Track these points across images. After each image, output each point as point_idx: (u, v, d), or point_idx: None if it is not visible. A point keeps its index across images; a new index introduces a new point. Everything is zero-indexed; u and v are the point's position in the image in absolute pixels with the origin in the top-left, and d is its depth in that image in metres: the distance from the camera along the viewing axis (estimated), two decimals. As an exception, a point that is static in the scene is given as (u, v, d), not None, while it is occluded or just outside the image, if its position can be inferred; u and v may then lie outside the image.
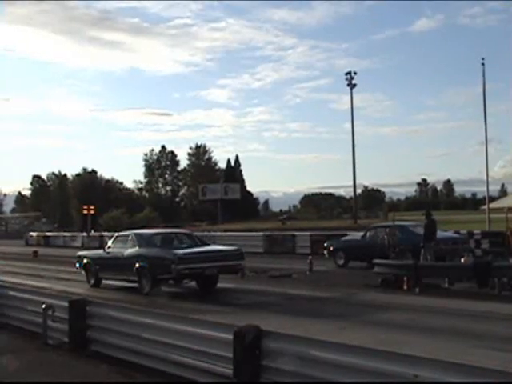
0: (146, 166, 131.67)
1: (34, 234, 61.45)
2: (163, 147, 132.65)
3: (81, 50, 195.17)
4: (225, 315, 11.72)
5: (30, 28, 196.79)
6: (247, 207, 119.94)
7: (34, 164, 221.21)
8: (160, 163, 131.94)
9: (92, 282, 18.98)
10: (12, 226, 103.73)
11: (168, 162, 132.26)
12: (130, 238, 17.90)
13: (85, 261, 19.36)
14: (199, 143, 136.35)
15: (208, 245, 18.59)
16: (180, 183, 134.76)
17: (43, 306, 10.21)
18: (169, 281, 16.85)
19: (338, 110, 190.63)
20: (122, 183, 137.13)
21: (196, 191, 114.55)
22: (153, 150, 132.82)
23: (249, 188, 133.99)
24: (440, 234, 22.03)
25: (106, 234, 51.52)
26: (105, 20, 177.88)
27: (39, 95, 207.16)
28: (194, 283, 17.47)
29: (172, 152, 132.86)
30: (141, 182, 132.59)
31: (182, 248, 17.12)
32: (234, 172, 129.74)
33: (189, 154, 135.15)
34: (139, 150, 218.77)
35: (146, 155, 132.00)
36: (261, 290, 16.98)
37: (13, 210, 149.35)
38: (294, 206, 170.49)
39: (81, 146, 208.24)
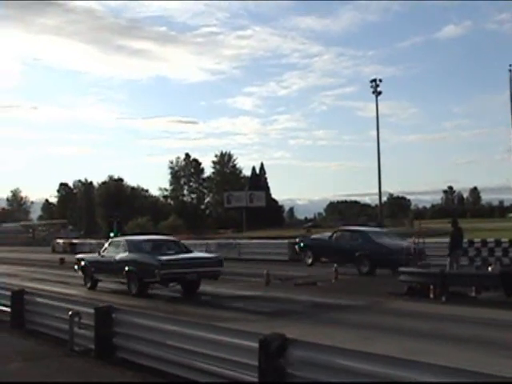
0: (171, 173, 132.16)
1: (60, 241, 61.85)
2: (187, 155, 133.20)
3: (108, 59, 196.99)
4: (249, 323, 11.73)
5: (59, 38, 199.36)
6: (272, 215, 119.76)
7: (60, 172, 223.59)
8: (185, 171, 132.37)
9: (89, 284, 20.55)
10: (39, 234, 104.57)
11: (193, 170, 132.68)
12: (121, 243, 19.62)
13: (82, 263, 20.93)
14: (224, 151, 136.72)
15: (192, 252, 19.89)
16: (205, 191, 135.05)
17: (70, 312, 10.29)
18: (155, 284, 18.14)
19: (363, 118, 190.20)
20: (147, 191, 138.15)
21: (221, 199, 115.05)
22: (178, 157, 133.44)
23: (274, 196, 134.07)
24: (393, 243, 24.17)
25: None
26: (132, 29, 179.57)
27: (66, 104, 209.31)
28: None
29: (196, 160, 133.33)
30: (166, 190, 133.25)
31: (167, 254, 18.35)
32: (259, 180, 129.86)
33: (213, 162, 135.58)
34: (165, 157, 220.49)
35: (171, 163, 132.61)
36: (286, 298, 16.95)
37: (40, 218, 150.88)
38: (319, 214, 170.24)
39: (107, 153, 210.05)
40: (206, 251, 30.38)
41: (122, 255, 18.88)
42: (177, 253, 18.84)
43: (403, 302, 15.51)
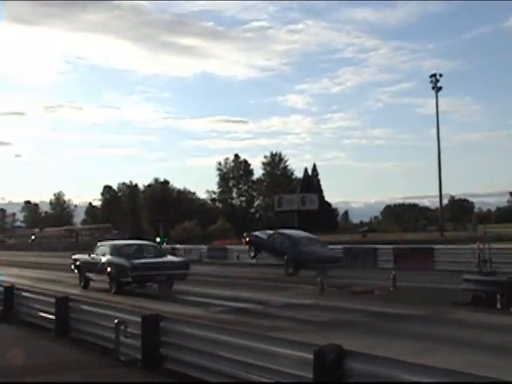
0: (219, 175, 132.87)
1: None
2: (236, 156, 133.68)
3: (153, 56, 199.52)
4: (303, 333, 11.70)
5: (103, 35, 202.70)
6: (325, 218, 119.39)
7: (105, 174, 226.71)
8: (234, 173, 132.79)
9: (82, 283, 24.33)
10: (83, 238, 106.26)
11: (242, 172, 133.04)
12: (106, 247, 23.49)
13: (77, 263, 24.95)
14: (275, 151, 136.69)
15: (165, 256, 23.57)
16: (255, 193, 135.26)
17: (116, 320, 10.42)
18: (132, 284, 21.70)
19: (422, 115, 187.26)
20: (194, 194, 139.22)
21: (271, 202, 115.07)
22: (227, 158, 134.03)
23: (327, 198, 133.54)
24: (316, 250, 28.70)
25: (178, 246, 52.36)
26: (178, 24, 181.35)
27: (111, 103, 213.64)
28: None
29: (245, 161, 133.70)
30: (214, 193, 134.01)
31: (142, 258, 22.16)
32: (311, 181, 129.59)
33: (263, 163, 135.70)
34: (213, 159, 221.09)
35: (219, 164, 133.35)
36: (341, 307, 16.86)
37: (83, 222, 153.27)
38: (376, 218, 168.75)
39: (152, 155, 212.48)
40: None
41: (106, 257, 22.52)
42: (153, 257, 22.75)
43: (467, 312, 15.27)
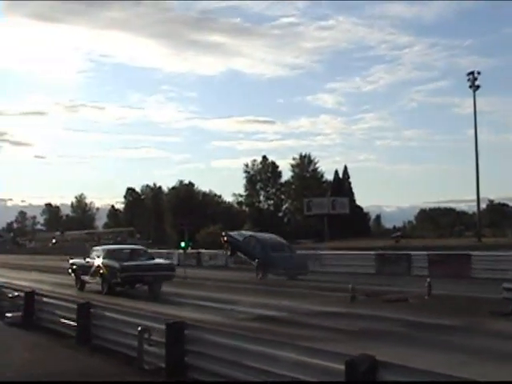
0: (246, 177, 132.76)
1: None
2: (264, 157, 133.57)
3: (178, 54, 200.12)
4: (334, 343, 11.65)
5: (126, 33, 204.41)
6: (357, 223, 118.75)
7: (128, 176, 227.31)
8: (262, 175, 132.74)
9: (78, 285, 26.58)
10: (105, 242, 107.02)
11: (269, 174, 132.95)
12: (100, 251, 26.08)
13: (74, 267, 27.34)
14: (304, 153, 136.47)
15: (153, 259, 26.08)
16: (283, 197, 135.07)
17: (139, 328, 10.45)
18: (121, 285, 24.07)
19: (459, 115, 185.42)
20: (220, 197, 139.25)
21: (300, 205, 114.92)
22: (254, 160, 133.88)
23: (358, 202, 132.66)
24: (286, 257, 32.46)
25: (203, 251, 52.44)
26: (204, 21, 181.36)
27: (134, 103, 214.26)
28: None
29: (273, 163, 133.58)
30: (241, 196, 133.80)
31: (131, 261, 24.57)
32: (342, 184, 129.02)
33: (292, 165, 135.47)
34: (239, 160, 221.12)
35: (246, 166, 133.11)
36: (373, 316, 16.78)
37: (105, 225, 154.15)
38: (409, 222, 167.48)
39: (177, 156, 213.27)
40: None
41: (99, 260, 24.87)
42: (142, 260, 25.31)
43: (506, 323, 15.13)
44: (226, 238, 37.86)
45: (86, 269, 25.87)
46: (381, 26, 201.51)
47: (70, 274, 27.90)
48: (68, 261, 29.04)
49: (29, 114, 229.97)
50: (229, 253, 38.28)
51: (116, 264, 23.85)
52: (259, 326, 14.69)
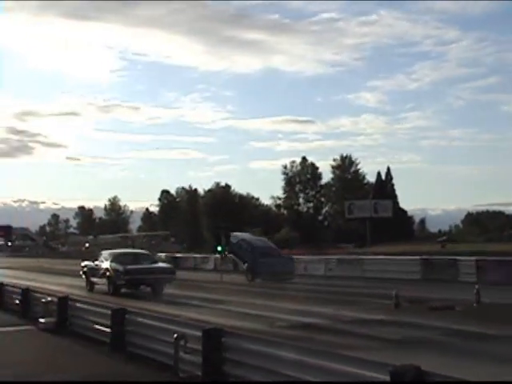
0: (285, 179, 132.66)
1: (162, 254, 63.27)
2: (304, 159, 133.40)
3: (214, 52, 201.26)
4: (376, 351, 11.61)
5: (160, 30, 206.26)
6: (400, 227, 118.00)
7: (162, 178, 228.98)
8: (301, 177, 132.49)
9: (88, 287, 29.55)
10: (139, 246, 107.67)
11: (309, 176, 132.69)
12: (107, 255, 28.99)
13: (85, 269, 30.36)
14: (344, 154, 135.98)
15: (156, 263, 29.21)
16: (323, 199, 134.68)
17: (175, 335, 10.51)
18: (126, 286, 26.77)
19: (508, 114, 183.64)
20: (258, 199, 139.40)
21: (341, 208, 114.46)
22: (293, 161, 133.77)
23: (402, 205, 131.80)
24: (274, 262, 35.19)
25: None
26: (240, 18, 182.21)
27: (169, 103, 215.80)
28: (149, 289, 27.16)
29: (313, 164, 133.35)
30: (279, 198, 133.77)
31: (135, 264, 27.21)
32: (384, 187, 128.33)
33: (332, 167, 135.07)
34: (278, 162, 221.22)
35: (285, 168, 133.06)
36: (418, 324, 16.67)
37: (139, 229, 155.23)
38: (456, 226, 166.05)
39: (213, 158, 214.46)
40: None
41: (106, 264, 27.71)
42: (145, 264, 28.02)
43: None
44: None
45: (95, 271, 28.99)
46: (425, 20, 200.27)
47: (81, 275, 30.95)
48: (81, 264, 31.80)
49: (61, 114, 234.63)
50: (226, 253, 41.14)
51: (120, 267, 26.72)
52: (298, 334, 14.68)
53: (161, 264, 30.13)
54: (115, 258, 28.08)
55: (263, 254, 35.78)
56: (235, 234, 41.46)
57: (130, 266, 26.67)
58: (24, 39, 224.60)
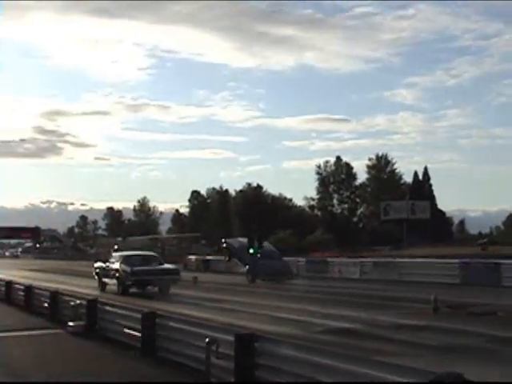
0: (318, 180, 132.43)
1: (192, 257, 63.52)
2: (338, 158, 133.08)
3: (245, 49, 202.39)
4: (416, 358, 11.51)
5: (190, 27, 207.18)
6: (438, 229, 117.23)
7: (193, 178, 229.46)
8: (335, 177, 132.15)
9: (100, 287, 32.11)
10: (169, 248, 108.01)
11: (343, 176, 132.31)
12: (117, 256, 32.12)
13: (97, 270, 33.16)
14: (380, 153, 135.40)
15: (162, 264, 31.38)
16: (358, 200, 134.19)
17: (206, 340, 10.52)
18: (134, 286, 29.40)
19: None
20: (290, 200, 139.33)
21: (377, 210, 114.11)
22: (327, 161, 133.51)
23: (440, 206, 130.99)
24: (272, 263, 39.24)
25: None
26: (273, 13, 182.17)
27: (199, 101, 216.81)
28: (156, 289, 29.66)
29: (348, 164, 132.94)
30: (313, 199, 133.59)
31: (142, 266, 29.74)
32: (422, 187, 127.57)
33: (368, 167, 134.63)
34: (312, 161, 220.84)
35: (318, 168, 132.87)
36: (458, 330, 16.53)
37: (169, 230, 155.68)
38: (497, 228, 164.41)
39: (244, 157, 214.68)
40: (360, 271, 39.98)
41: (116, 265, 30.38)
42: (152, 265, 30.55)
43: None
44: (224, 245, 47.08)
45: (106, 272, 31.64)
46: (466, 13, 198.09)
47: (93, 276, 33.75)
48: (93, 265, 34.55)
49: (89, 114, 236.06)
50: (227, 258, 45.93)
51: (128, 268, 29.25)
52: (334, 339, 14.65)
53: (166, 265, 31.98)
54: (124, 260, 30.62)
55: (263, 257, 38.90)
56: (239, 239, 46.49)
57: (137, 268, 29.25)
58: (51, 38, 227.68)
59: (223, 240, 49.31)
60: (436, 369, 6.92)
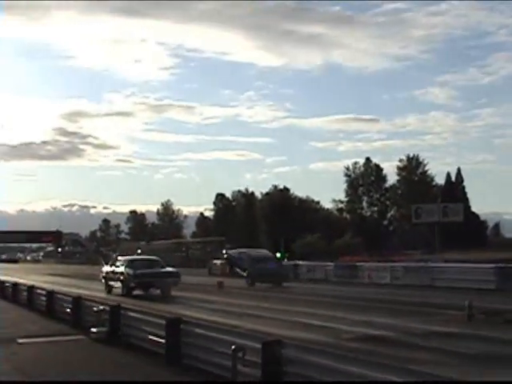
0: (347, 182, 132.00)
1: (217, 261, 63.45)
2: (368, 159, 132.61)
3: (272, 48, 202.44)
4: (450, 368, 11.41)
5: (215, 25, 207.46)
6: (472, 232, 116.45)
7: (218, 180, 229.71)
8: (364, 179, 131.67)
9: (107, 290, 34.62)
10: (193, 252, 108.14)
11: (373, 178, 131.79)
12: (122, 260, 34.88)
13: (104, 274, 35.86)
14: (411, 154, 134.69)
15: (164, 268, 34.05)
16: (388, 203, 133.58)
17: (232, 347, 10.51)
18: (137, 288, 31.81)
19: None
20: (318, 203, 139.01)
21: (408, 213, 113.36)
22: (356, 163, 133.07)
23: (474, 209, 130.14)
24: (270, 267, 42.72)
25: (300, 262, 52.44)
26: (300, 11, 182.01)
27: (224, 101, 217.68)
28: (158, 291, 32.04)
29: (377, 165, 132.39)
30: (341, 202, 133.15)
31: (144, 269, 32.53)
32: (455, 189, 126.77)
33: (398, 168, 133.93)
34: (340, 163, 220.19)
35: (347, 169, 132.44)
36: (493, 338, 16.40)
37: (194, 234, 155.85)
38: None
39: (271, 159, 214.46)
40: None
41: (121, 268, 33.20)
42: (155, 268, 33.24)
43: None
44: (225, 256, 53.83)
45: (112, 275, 34.37)
46: (501, 8, 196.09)
47: (101, 280, 36.40)
48: (101, 269, 37.54)
49: (112, 114, 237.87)
50: (229, 268, 50.28)
51: (131, 271, 31.94)
52: (366, 347, 14.58)
53: (168, 268, 34.47)
54: (129, 264, 33.49)
55: (261, 262, 43.11)
56: (238, 250, 51.63)
57: (139, 271, 31.99)
58: (73, 38, 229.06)
59: (224, 251, 57.97)
60: (471, 378, 6.88)
